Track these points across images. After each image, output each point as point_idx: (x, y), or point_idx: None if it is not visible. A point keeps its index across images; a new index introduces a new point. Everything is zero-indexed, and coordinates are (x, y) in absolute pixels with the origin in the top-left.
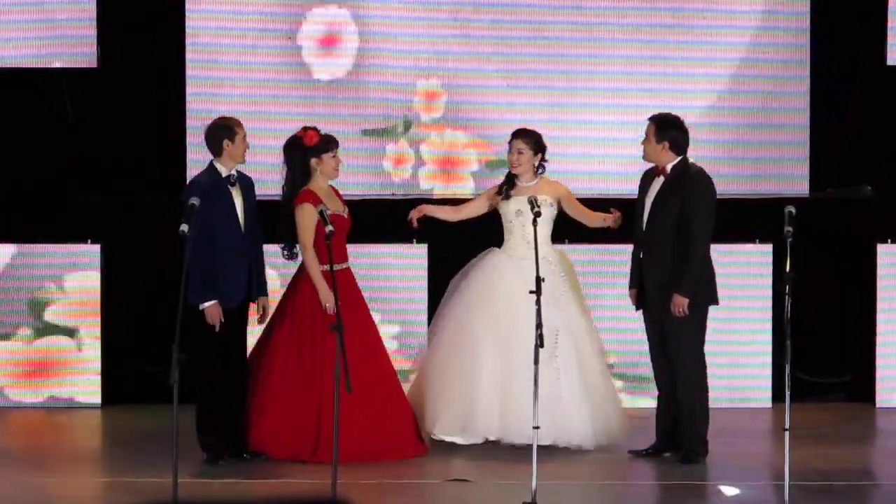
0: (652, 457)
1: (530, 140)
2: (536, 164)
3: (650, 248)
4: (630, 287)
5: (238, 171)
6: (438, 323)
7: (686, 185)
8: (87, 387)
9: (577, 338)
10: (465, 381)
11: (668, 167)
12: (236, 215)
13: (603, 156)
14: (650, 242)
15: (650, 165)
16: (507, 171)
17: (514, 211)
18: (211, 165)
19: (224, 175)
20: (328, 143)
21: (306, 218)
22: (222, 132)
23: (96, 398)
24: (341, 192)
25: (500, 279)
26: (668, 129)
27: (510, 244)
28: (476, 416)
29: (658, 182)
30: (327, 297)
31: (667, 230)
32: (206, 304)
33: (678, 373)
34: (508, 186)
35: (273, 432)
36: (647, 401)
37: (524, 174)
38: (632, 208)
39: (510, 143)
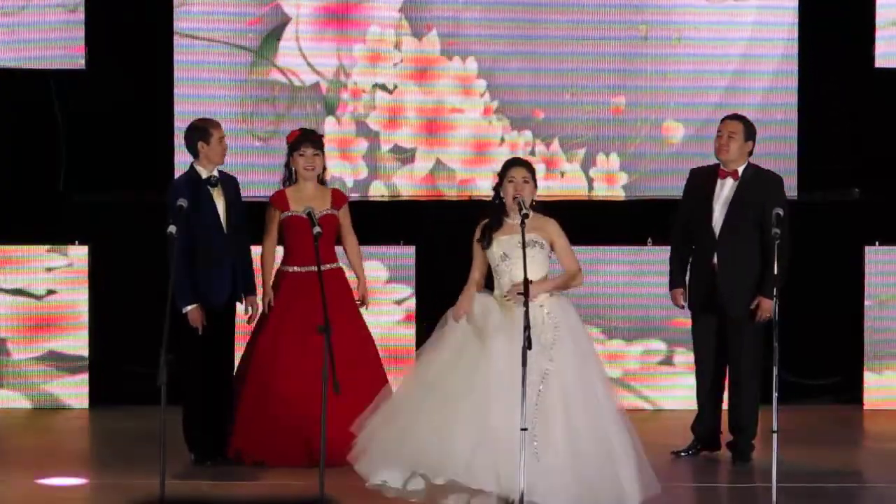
0: (693, 456)
1: (532, 170)
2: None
3: (728, 252)
4: (674, 287)
5: (220, 172)
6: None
7: (770, 189)
8: (75, 388)
9: (568, 390)
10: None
11: (740, 170)
12: (217, 216)
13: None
14: (728, 246)
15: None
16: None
17: (500, 255)
18: (191, 167)
19: (204, 177)
20: (298, 143)
21: (266, 218)
22: (197, 134)
23: (84, 401)
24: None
25: (484, 320)
26: (752, 130)
27: (497, 291)
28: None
29: (727, 185)
30: (265, 297)
31: (747, 234)
32: (188, 308)
33: (745, 375)
34: (493, 229)
35: (247, 437)
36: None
37: (523, 205)
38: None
39: (507, 172)
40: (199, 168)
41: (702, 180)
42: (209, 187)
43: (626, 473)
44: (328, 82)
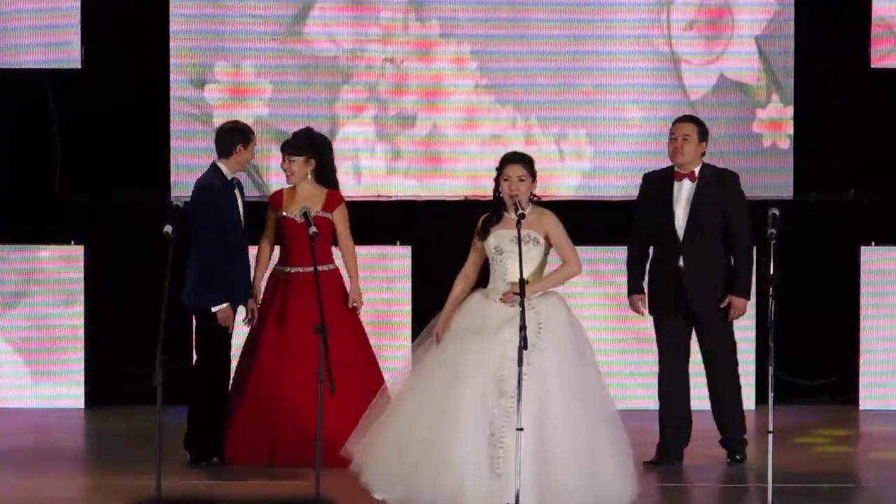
0: (661, 465)
1: (530, 165)
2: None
3: (695, 253)
4: (634, 293)
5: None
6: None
7: (728, 188)
8: (71, 389)
9: (545, 395)
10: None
11: (696, 171)
12: (240, 218)
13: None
14: (694, 247)
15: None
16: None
17: (494, 248)
18: (215, 167)
19: (229, 178)
20: (281, 148)
21: (266, 217)
22: (239, 136)
23: (80, 400)
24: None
25: (473, 325)
26: (706, 131)
27: (491, 284)
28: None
29: (685, 186)
30: (256, 295)
31: (711, 235)
32: (220, 307)
33: (721, 376)
34: (493, 223)
35: (237, 439)
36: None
37: (520, 206)
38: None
39: (503, 170)
40: (223, 168)
41: (658, 184)
42: (233, 189)
43: (607, 478)
44: (346, 52)
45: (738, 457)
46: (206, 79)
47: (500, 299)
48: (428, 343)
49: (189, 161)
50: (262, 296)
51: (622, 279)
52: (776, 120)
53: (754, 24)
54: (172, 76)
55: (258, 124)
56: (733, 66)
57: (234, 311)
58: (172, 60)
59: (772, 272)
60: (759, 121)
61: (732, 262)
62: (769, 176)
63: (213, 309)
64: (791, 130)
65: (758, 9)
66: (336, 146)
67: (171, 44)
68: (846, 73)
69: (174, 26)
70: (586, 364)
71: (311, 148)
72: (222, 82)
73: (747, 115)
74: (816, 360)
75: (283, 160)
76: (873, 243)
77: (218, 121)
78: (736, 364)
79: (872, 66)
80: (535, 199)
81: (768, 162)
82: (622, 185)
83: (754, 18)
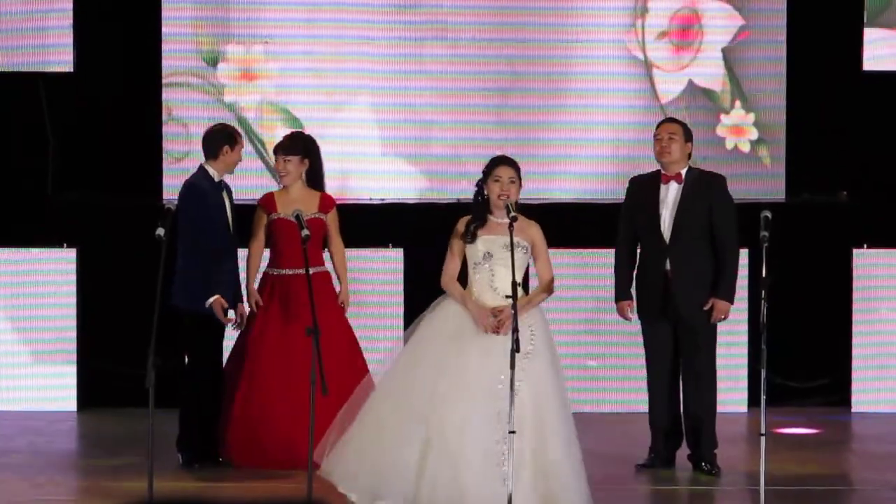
0: (652, 468)
1: (518, 170)
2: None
3: (681, 255)
4: (622, 299)
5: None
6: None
7: (714, 190)
8: (64, 391)
9: (541, 399)
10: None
11: (683, 173)
12: (227, 220)
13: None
14: (680, 249)
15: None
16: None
17: (483, 254)
18: (202, 169)
19: (216, 180)
20: (274, 150)
21: (254, 220)
22: (225, 138)
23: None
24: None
25: (458, 335)
26: (690, 133)
27: (473, 291)
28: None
29: (671, 189)
30: (251, 298)
31: (697, 237)
32: (211, 300)
33: (700, 381)
34: (478, 226)
35: (237, 441)
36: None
37: (511, 208)
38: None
39: (493, 171)
40: (210, 170)
41: (644, 187)
42: (220, 191)
43: (584, 486)
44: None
45: (705, 466)
46: (200, 79)
47: (496, 331)
48: (410, 344)
49: (181, 164)
50: (258, 297)
51: (599, 282)
52: (738, 124)
53: (721, 35)
54: (165, 78)
55: (261, 109)
56: (701, 73)
57: (225, 313)
58: (165, 63)
59: (764, 274)
60: (722, 125)
61: (720, 264)
62: (762, 177)
63: (207, 303)
64: (784, 132)
65: (724, 18)
66: (328, 149)
67: (164, 46)
68: (838, 75)
69: (166, 29)
70: (562, 376)
71: (305, 149)
72: (218, 81)
73: (713, 120)
74: (809, 362)
75: (277, 161)
76: (865, 246)
77: (212, 119)
78: (714, 375)
79: (864, 69)
80: (518, 204)
81: (761, 163)
82: (602, 188)
83: (721, 26)
